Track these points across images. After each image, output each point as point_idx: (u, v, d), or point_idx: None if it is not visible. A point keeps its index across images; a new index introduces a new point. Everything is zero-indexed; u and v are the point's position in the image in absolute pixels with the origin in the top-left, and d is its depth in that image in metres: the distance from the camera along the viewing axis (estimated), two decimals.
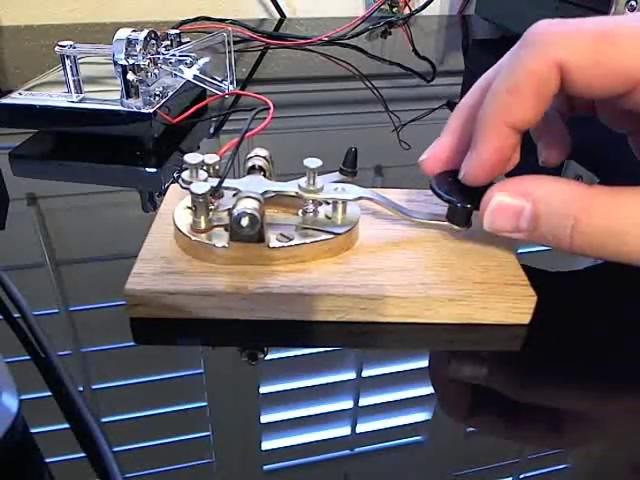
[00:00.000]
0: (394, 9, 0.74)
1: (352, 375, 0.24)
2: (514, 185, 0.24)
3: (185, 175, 0.26)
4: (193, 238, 0.26)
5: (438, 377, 0.24)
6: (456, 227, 0.27)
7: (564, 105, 0.28)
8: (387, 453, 0.21)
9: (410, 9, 0.75)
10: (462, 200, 0.25)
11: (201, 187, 0.25)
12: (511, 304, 0.25)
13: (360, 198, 0.27)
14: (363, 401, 0.23)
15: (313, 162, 0.26)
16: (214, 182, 0.26)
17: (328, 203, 0.27)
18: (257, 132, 0.38)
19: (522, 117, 0.22)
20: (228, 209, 0.25)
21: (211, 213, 0.26)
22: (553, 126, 0.28)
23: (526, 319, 0.25)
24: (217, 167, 0.28)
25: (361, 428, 0.22)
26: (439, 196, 0.26)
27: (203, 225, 0.26)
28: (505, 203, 0.23)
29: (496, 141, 0.23)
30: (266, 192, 0.26)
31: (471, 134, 0.25)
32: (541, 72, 0.21)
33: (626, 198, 0.22)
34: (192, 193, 0.25)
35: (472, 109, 0.26)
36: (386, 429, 0.22)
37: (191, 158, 0.26)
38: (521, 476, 0.20)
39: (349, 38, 0.65)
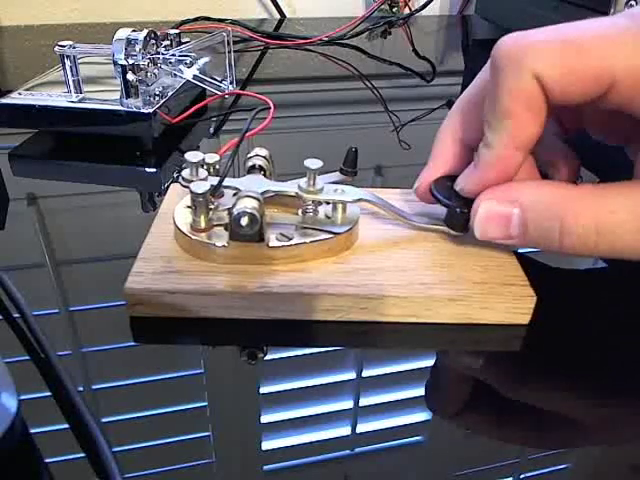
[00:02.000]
0: (394, 9, 0.74)
1: (352, 375, 0.24)
2: (501, 192, 0.24)
3: (185, 174, 0.26)
4: (193, 237, 0.26)
5: (438, 377, 0.24)
6: (454, 232, 0.27)
7: (557, 127, 0.28)
8: (387, 453, 0.21)
9: (410, 9, 0.75)
10: (461, 205, 0.25)
11: (201, 186, 0.25)
12: (511, 304, 0.25)
13: (359, 200, 0.27)
14: (363, 401, 0.23)
15: (314, 163, 0.26)
16: (214, 181, 0.26)
17: (328, 203, 0.27)
18: (257, 132, 0.38)
19: (526, 136, 0.23)
20: (228, 208, 0.25)
21: (211, 212, 0.26)
22: (554, 149, 0.28)
23: (526, 319, 0.25)
24: (217, 166, 0.28)
25: (361, 428, 0.22)
26: (438, 200, 0.26)
27: (203, 224, 0.26)
28: (493, 211, 0.24)
29: (501, 165, 0.23)
30: (266, 192, 0.26)
31: (458, 155, 0.26)
32: (524, 88, 0.22)
33: (610, 195, 0.22)
34: (192, 192, 0.25)
35: (454, 133, 0.27)
36: (386, 429, 0.22)
37: (192, 156, 0.26)
38: (521, 476, 0.20)
39: (349, 38, 0.65)
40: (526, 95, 0.22)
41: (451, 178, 0.26)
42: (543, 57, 0.21)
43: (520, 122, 0.22)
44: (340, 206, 0.27)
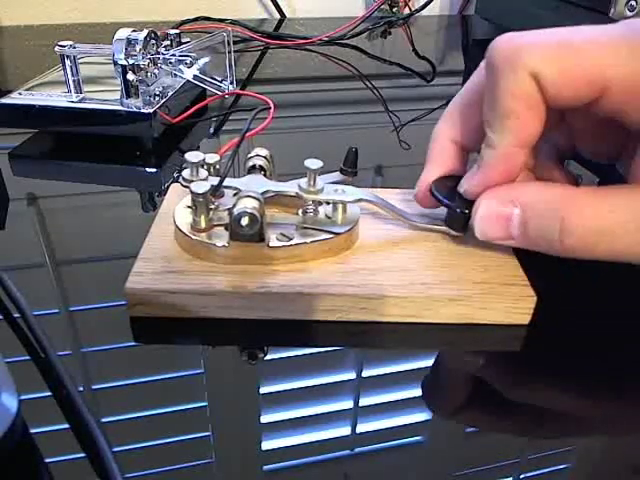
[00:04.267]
0: (394, 9, 0.74)
1: (352, 375, 0.24)
2: (502, 192, 0.24)
3: (186, 174, 0.26)
4: (193, 237, 0.26)
5: (438, 377, 0.24)
6: (454, 232, 0.27)
7: (551, 150, 0.28)
8: (387, 453, 0.21)
9: (410, 9, 0.75)
10: (461, 205, 0.25)
11: (201, 186, 0.25)
12: (511, 304, 0.25)
13: (360, 200, 0.27)
14: (363, 401, 0.23)
15: (314, 163, 0.26)
16: (215, 181, 0.26)
17: (329, 203, 0.27)
18: (258, 132, 0.38)
19: (529, 133, 0.23)
20: (228, 208, 0.25)
21: (211, 212, 0.26)
22: (550, 170, 0.28)
23: (526, 319, 0.25)
24: (218, 166, 0.28)
25: (361, 428, 0.22)
26: (439, 201, 0.26)
27: (203, 224, 0.26)
28: (493, 211, 0.24)
29: (506, 163, 0.23)
30: (266, 192, 0.26)
31: (454, 157, 0.26)
32: (523, 86, 0.22)
33: (610, 196, 0.22)
34: (192, 192, 0.25)
35: (449, 135, 0.27)
36: (386, 429, 0.22)
37: (192, 157, 0.26)
38: (521, 476, 0.20)
39: (349, 38, 0.65)
40: (525, 94, 0.22)
41: (451, 178, 0.26)
42: (540, 56, 0.21)
43: (522, 121, 0.22)
44: (340, 206, 0.27)
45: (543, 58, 0.21)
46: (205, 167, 0.27)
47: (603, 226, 0.22)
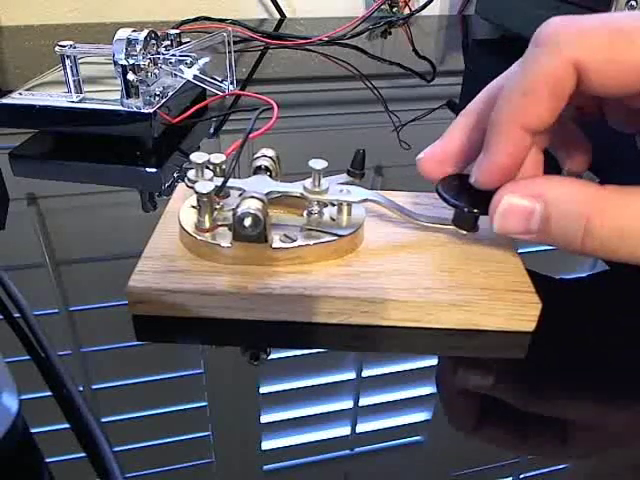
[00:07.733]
0: (394, 9, 0.74)
1: (352, 375, 0.24)
2: (525, 186, 0.23)
3: (191, 174, 0.26)
4: (197, 237, 0.26)
5: (438, 381, 0.24)
6: (462, 231, 0.27)
7: (573, 111, 0.27)
8: (387, 453, 0.21)
9: (410, 9, 0.75)
10: (469, 204, 0.25)
11: (205, 186, 0.25)
12: (515, 311, 0.24)
13: (365, 200, 0.27)
14: (363, 401, 0.23)
15: (318, 163, 0.26)
16: (219, 181, 0.26)
17: (334, 205, 0.27)
18: (262, 133, 0.38)
19: (538, 119, 0.22)
20: (233, 209, 0.25)
21: (216, 212, 0.26)
22: (570, 133, 0.27)
23: (531, 326, 0.25)
24: (224, 167, 0.28)
25: (361, 428, 0.22)
26: (445, 200, 0.26)
27: (207, 224, 0.26)
28: (515, 204, 0.23)
29: (510, 144, 0.23)
30: (271, 192, 0.26)
31: (473, 140, 0.25)
32: (557, 72, 0.21)
33: (636, 200, 0.21)
34: (196, 192, 0.25)
35: (477, 116, 0.26)
36: (386, 429, 0.22)
37: (197, 157, 0.26)
38: (521, 476, 0.20)
39: (349, 38, 0.65)
40: (556, 80, 0.21)
41: (457, 177, 0.26)
42: (589, 43, 0.21)
43: (537, 103, 0.22)
44: (345, 208, 0.27)
45: (592, 47, 0.20)
46: (211, 167, 0.27)
47: (627, 231, 0.21)
